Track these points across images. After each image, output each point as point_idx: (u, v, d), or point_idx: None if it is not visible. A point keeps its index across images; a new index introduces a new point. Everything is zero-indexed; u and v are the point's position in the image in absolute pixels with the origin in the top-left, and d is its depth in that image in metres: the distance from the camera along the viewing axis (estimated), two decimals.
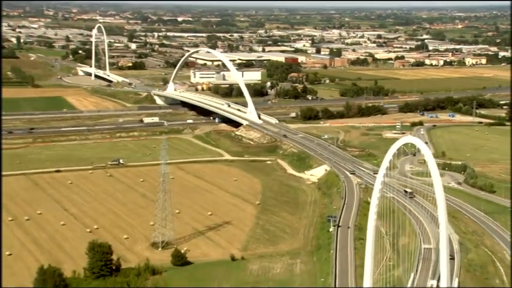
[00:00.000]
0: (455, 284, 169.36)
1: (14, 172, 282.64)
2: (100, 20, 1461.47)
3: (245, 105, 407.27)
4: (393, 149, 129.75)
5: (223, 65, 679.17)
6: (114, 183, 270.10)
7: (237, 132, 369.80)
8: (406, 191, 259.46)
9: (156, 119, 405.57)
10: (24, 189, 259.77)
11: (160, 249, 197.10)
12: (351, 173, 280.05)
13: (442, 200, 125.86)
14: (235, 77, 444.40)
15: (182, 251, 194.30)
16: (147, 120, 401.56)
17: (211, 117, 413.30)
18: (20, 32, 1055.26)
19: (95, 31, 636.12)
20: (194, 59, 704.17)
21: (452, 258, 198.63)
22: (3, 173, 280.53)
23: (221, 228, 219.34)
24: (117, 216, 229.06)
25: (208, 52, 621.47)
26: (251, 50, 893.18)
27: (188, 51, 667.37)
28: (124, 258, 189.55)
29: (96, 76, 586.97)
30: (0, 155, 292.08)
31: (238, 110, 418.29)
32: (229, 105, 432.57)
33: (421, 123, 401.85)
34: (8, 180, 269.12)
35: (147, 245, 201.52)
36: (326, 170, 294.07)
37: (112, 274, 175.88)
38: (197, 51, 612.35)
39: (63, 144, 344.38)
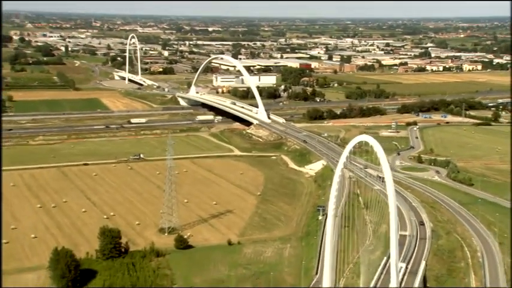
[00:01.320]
0: (422, 266, 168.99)
1: (48, 165, 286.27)
2: (140, 30, 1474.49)
3: (257, 105, 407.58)
4: (349, 146, 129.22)
5: (247, 69, 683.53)
6: (134, 176, 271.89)
7: (248, 131, 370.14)
8: (379, 177, 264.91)
9: (143, 120, 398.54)
10: (55, 180, 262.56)
11: (166, 234, 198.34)
12: (345, 168, 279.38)
13: (392, 192, 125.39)
14: (249, 81, 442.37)
15: (185, 236, 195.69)
16: (134, 120, 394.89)
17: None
18: (69, 42, 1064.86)
19: (129, 40, 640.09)
20: (218, 65, 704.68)
21: (422, 224, 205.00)
22: (39, 165, 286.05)
23: (223, 216, 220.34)
24: (132, 205, 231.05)
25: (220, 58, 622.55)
26: (271, 57, 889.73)
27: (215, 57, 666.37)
28: (134, 242, 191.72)
29: (130, 80, 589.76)
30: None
31: (242, 107, 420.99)
32: (234, 103, 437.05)
33: (415, 123, 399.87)
34: (42, 172, 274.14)
35: (155, 231, 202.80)
36: (323, 164, 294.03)
37: (120, 256, 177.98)
38: (215, 58, 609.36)
39: (93, 140, 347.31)
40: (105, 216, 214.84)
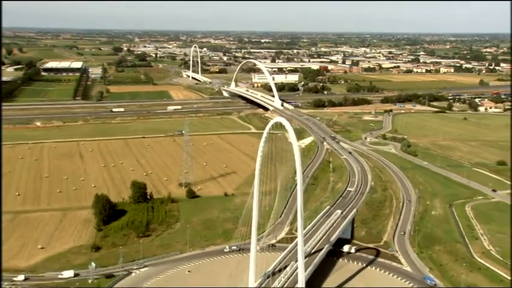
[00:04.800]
0: (352, 212, 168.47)
1: (118, 137, 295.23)
2: (212, 42, 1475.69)
3: (282, 96, 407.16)
4: (269, 125, 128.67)
5: (279, 70, 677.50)
6: (174, 146, 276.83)
7: (265, 114, 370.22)
8: (334, 138, 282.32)
9: (122, 109, 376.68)
10: (119, 148, 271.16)
11: (183, 187, 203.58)
12: (321, 142, 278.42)
13: (298, 160, 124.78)
14: (268, 78, 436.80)
15: (196, 189, 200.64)
16: (115, 109, 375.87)
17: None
18: (159, 50, 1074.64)
19: (192, 49, 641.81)
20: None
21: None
22: (112, 137, 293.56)
23: (228, 176, 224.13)
24: (166, 166, 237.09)
25: (250, 61, 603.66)
26: (301, 61, 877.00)
27: (259, 61, 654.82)
28: (159, 192, 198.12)
29: (193, 78, 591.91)
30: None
31: (252, 92, 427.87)
32: (247, 90, 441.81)
33: (391, 110, 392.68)
34: (112, 142, 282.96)
35: (176, 185, 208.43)
36: (312, 140, 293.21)
37: (145, 201, 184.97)
38: (245, 62, 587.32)
39: (154, 120, 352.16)
40: (145, 174, 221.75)
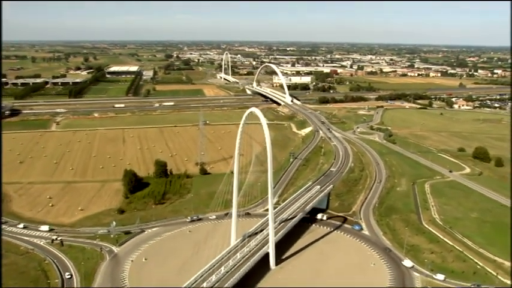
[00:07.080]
0: (329, 188, 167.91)
1: (154, 126, 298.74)
2: (246, 50, 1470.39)
3: (293, 94, 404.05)
4: (245, 114, 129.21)
5: (296, 73, 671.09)
6: (198, 133, 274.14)
7: (277, 109, 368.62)
8: (323, 122, 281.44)
9: (122, 105, 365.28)
10: (154, 134, 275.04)
11: (198, 166, 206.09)
12: (316, 131, 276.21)
13: (269, 145, 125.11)
14: (281, 79, 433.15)
15: (208, 168, 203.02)
16: (117, 105, 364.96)
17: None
18: (201, 56, 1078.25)
19: (224, 55, 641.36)
20: (282, 69, 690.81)
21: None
22: (150, 126, 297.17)
23: None
24: (188, 149, 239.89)
25: (269, 65, 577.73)
26: (316, 66, 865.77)
27: (281, 65, 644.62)
28: (179, 169, 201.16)
29: (225, 79, 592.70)
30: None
31: (266, 89, 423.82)
32: (260, 87, 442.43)
33: (382, 106, 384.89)
34: (149, 130, 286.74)
35: (193, 164, 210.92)
36: (311, 129, 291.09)
37: (166, 176, 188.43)
38: (264, 66, 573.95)
39: (186, 113, 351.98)
40: (170, 155, 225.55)
